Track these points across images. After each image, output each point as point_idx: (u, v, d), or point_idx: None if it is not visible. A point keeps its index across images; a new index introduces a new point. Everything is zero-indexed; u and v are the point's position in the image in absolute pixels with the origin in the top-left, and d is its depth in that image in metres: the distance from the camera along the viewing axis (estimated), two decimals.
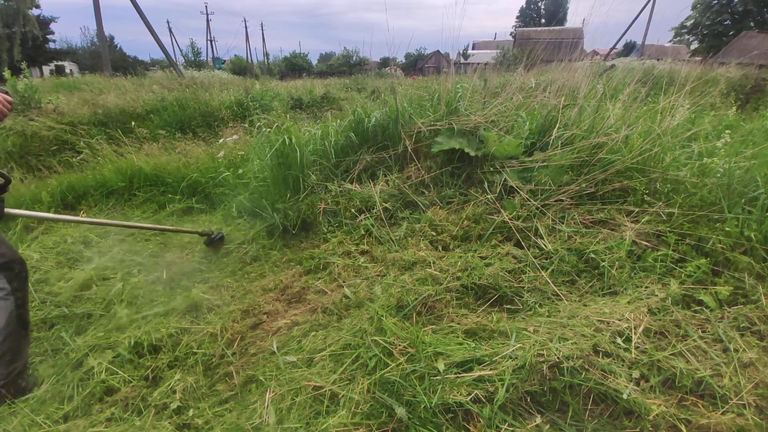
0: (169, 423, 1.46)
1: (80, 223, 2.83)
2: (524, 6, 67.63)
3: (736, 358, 1.37)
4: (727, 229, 1.92)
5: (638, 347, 1.39)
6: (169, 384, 1.63)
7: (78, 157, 5.14)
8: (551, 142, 2.65)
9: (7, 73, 6.33)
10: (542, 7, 65.95)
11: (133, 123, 6.25)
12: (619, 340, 1.41)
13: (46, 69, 31.46)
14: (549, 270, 1.94)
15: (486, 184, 2.59)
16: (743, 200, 2.02)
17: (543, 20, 64.14)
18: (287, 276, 2.34)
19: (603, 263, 1.89)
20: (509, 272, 1.94)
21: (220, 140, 5.46)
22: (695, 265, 1.82)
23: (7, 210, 1.59)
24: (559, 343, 1.37)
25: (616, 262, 1.90)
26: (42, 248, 2.90)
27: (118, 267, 2.70)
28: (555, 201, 2.35)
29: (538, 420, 1.23)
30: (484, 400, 1.24)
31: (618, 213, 2.21)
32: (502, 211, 2.34)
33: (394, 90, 3.64)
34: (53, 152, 5.55)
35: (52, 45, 31.58)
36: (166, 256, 2.89)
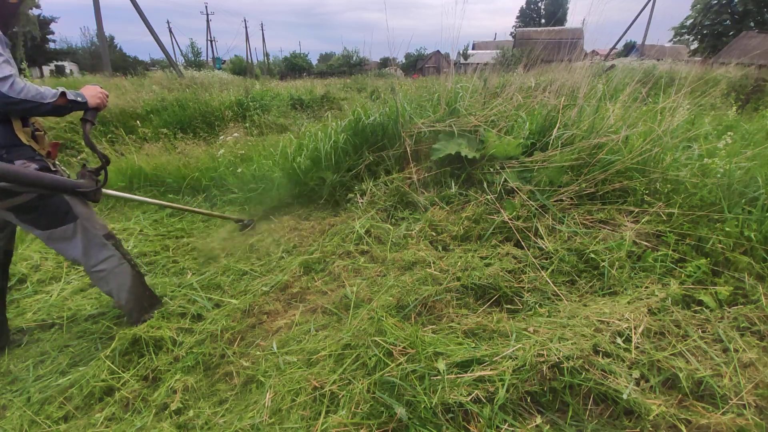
0: (169, 423, 1.46)
1: (153, 204, 2.93)
2: (524, 6, 67.63)
3: (736, 358, 1.37)
4: (727, 229, 1.92)
5: (638, 347, 1.39)
6: (169, 384, 1.63)
7: (78, 157, 5.14)
8: (551, 142, 2.65)
9: None
10: (542, 7, 65.93)
11: (138, 122, 6.24)
12: (619, 340, 1.41)
13: (46, 69, 31.43)
14: (549, 270, 1.94)
15: (486, 184, 2.58)
16: (743, 200, 2.02)
17: (543, 20, 64.10)
18: (287, 276, 2.34)
19: (603, 263, 1.89)
20: (509, 272, 1.94)
21: (221, 139, 5.47)
22: (695, 265, 1.82)
23: (104, 190, 1.83)
24: (559, 343, 1.37)
25: (616, 262, 1.90)
26: (42, 248, 2.91)
27: None
28: (555, 201, 2.35)
29: (538, 420, 1.23)
30: (484, 400, 1.24)
31: (618, 213, 2.21)
32: (502, 211, 2.34)
33: (394, 90, 3.64)
34: None
35: (52, 45, 31.61)
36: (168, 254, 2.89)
